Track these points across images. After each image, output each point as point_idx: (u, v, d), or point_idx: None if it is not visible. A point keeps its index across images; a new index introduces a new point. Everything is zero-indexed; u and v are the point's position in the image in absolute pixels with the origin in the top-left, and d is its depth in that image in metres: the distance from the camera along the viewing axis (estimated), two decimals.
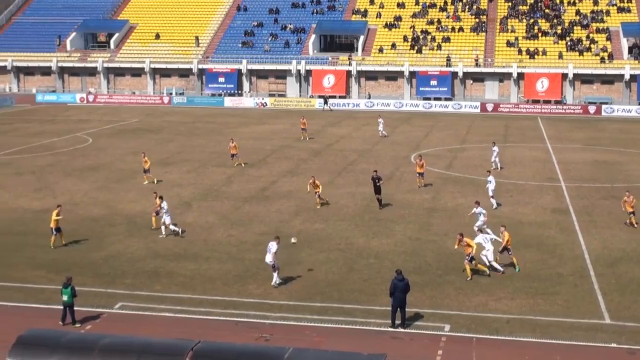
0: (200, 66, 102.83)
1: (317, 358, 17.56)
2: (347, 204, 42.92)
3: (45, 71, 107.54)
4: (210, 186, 47.93)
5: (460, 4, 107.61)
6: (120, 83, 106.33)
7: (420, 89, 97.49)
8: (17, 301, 27.68)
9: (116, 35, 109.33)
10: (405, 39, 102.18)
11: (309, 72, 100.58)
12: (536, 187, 48.00)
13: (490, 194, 42.05)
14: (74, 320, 25.52)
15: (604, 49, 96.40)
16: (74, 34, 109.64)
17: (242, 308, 27.08)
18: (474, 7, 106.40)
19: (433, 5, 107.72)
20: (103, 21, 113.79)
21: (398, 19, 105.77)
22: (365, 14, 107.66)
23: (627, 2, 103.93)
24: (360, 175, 50.50)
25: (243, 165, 54.35)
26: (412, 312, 26.29)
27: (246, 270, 31.12)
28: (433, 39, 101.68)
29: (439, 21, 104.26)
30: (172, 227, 36.34)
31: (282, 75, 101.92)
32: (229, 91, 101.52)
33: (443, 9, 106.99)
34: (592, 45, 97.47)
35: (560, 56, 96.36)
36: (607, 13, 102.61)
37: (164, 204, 36.51)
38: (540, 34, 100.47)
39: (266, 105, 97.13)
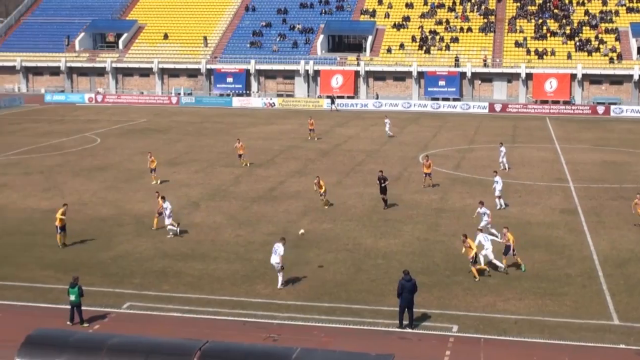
0: (209, 66, 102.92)
1: (325, 358, 17.54)
2: (355, 204, 42.91)
3: (54, 71, 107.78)
4: (218, 186, 47.97)
5: (469, 4, 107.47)
6: (129, 83, 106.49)
7: (429, 89, 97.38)
8: (26, 301, 27.75)
9: (125, 35, 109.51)
10: (413, 39, 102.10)
11: (317, 73, 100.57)
12: (544, 187, 47.90)
13: (498, 194, 41.99)
14: (82, 319, 25.56)
15: (613, 49, 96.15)
16: (82, 34, 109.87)
17: (249, 308, 27.09)
18: (483, 7, 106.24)
19: (441, 6, 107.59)
20: (112, 21, 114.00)
21: (406, 19, 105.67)
22: (373, 14, 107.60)
23: (637, 3, 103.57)
24: (368, 175, 50.46)
25: (248, 165, 54.36)
26: (420, 313, 26.27)
27: (254, 271, 31.14)
28: (441, 39, 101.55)
29: (447, 21, 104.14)
30: (170, 227, 36.39)
31: (290, 75, 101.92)
32: (237, 91, 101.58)
33: (451, 9, 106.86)
34: (601, 46, 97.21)
35: (569, 56, 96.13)
36: (616, 13, 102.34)
37: (167, 204, 36.52)
38: (548, 34, 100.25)
39: (274, 105, 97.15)
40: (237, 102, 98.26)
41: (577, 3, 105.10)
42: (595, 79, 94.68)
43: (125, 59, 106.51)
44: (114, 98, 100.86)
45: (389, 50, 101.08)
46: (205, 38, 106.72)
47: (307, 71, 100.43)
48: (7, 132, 71.50)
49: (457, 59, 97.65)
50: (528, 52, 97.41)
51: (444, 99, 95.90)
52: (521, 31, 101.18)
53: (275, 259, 29.09)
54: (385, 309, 26.84)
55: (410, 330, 25.23)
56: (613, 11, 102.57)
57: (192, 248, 34.47)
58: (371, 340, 24.43)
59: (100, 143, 65.13)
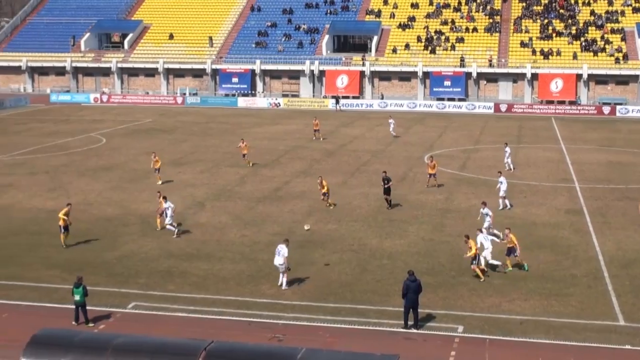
0: (214, 66, 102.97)
1: (330, 358, 17.53)
2: (360, 205, 42.91)
3: (60, 71, 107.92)
4: (223, 186, 48.00)
5: (474, 4, 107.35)
6: (134, 83, 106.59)
7: (434, 89, 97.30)
8: (31, 300, 27.80)
9: (130, 35, 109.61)
10: (419, 39, 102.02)
11: (322, 73, 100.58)
12: (550, 188, 47.85)
13: (502, 194, 41.95)
14: (87, 319, 25.61)
15: (619, 50, 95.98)
16: (88, 34, 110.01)
17: (255, 308, 27.11)
18: (488, 7, 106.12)
19: (447, 6, 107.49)
20: (117, 21, 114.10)
21: (412, 19, 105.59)
22: (379, 14, 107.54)
23: None
24: (374, 175, 50.42)
25: (250, 165, 54.34)
26: (425, 313, 26.27)
27: (259, 271, 31.15)
28: (447, 39, 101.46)
29: (452, 21, 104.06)
30: (168, 227, 36.44)
31: (295, 75, 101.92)
32: (242, 91, 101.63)
33: (457, 10, 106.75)
34: (606, 46, 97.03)
35: (575, 57, 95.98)
36: (622, 13, 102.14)
37: (168, 204, 36.54)
38: (554, 35, 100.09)
39: (279, 105, 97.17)
40: (242, 102, 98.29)
41: (583, 3, 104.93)
42: (601, 79, 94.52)
43: (131, 59, 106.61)
44: (119, 98, 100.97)
45: (394, 51, 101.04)
46: (210, 38, 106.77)
47: (312, 71, 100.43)
48: (12, 132, 71.63)
49: (462, 59, 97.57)
50: (534, 52, 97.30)
51: (450, 99, 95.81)
52: (527, 31, 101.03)
53: (278, 260, 29.07)
54: (390, 310, 26.84)
55: (415, 331, 25.23)
56: (619, 11, 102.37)
57: (198, 248, 34.51)
58: (376, 340, 24.44)
59: (105, 143, 65.21)
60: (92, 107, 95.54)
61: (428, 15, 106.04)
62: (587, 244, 35.50)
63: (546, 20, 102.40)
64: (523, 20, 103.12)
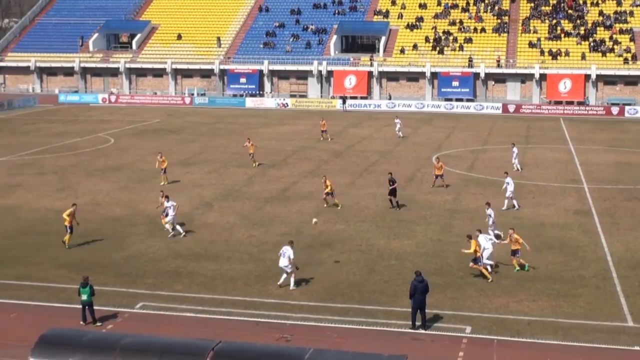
0: (222, 67, 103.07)
1: (337, 359, 17.53)
2: (368, 205, 42.88)
3: (68, 72, 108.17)
4: (231, 186, 48.02)
5: (483, 4, 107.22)
6: (142, 83, 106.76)
7: (442, 89, 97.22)
8: (40, 300, 27.84)
9: (138, 35, 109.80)
10: (427, 39, 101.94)
11: (330, 73, 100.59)
12: (558, 188, 47.75)
13: (509, 194, 41.87)
14: (95, 319, 25.64)
15: (628, 50, 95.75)
16: (96, 34, 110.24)
17: (262, 308, 27.11)
18: (496, 7, 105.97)
19: (455, 6, 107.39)
20: (125, 22, 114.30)
21: (420, 19, 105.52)
22: (386, 14, 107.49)
23: None
24: (382, 176, 50.37)
25: (255, 165, 54.30)
26: (433, 314, 26.23)
27: (267, 271, 31.14)
28: (455, 39, 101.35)
29: (460, 22, 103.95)
30: (167, 226, 36.46)
31: (303, 76, 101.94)
32: (250, 92, 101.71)
33: (465, 10, 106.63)
34: (615, 46, 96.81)
35: (583, 57, 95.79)
36: (631, 14, 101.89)
37: (169, 203, 36.54)
38: (562, 35, 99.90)
39: (287, 106, 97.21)
40: (250, 102, 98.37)
41: (592, 3, 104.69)
42: (609, 80, 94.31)
43: (139, 59, 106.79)
44: (127, 98, 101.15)
45: (402, 51, 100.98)
46: (218, 38, 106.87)
47: (320, 72, 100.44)
48: (21, 133, 71.80)
49: (470, 60, 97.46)
50: (542, 52, 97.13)
51: (458, 100, 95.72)
52: (535, 32, 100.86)
53: (283, 262, 29.02)
54: (398, 310, 26.81)
55: (423, 331, 25.20)
56: (628, 12, 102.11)
57: (205, 248, 34.53)
58: (384, 341, 24.41)
59: (113, 143, 65.32)
60: (101, 108, 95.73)
61: (436, 16, 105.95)
62: (596, 244, 35.41)
63: (554, 21, 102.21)
64: (531, 21, 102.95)
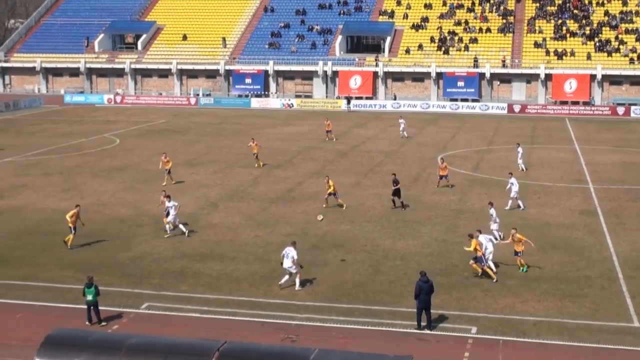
0: (227, 67, 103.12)
1: (343, 359, 17.53)
2: (373, 205, 42.86)
3: (74, 72, 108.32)
4: (236, 187, 48.04)
5: (488, 4, 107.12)
6: (148, 84, 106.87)
7: (447, 90, 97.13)
8: (45, 301, 27.89)
9: (143, 36, 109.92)
10: (432, 39, 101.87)
11: (335, 73, 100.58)
12: (564, 188, 47.68)
13: (514, 195, 41.82)
14: (100, 319, 25.68)
15: (633, 50, 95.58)
16: (101, 35, 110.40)
17: (268, 309, 27.11)
18: (502, 7, 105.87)
19: (460, 6, 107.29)
20: (130, 22, 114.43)
21: (425, 19, 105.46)
22: (392, 15, 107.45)
23: None
24: (387, 176, 50.26)
25: (257, 165, 54.26)
26: (438, 314, 26.21)
27: (272, 271, 31.13)
28: (460, 39, 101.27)
29: (466, 22, 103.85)
30: (166, 225, 36.48)
31: (308, 76, 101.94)
32: (255, 92, 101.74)
33: (470, 10, 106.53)
34: (621, 46, 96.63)
35: (589, 57, 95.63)
36: (637, 14, 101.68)
37: (171, 204, 36.56)
38: (568, 35, 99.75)
39: (292, 106, 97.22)
40: (255, 103, 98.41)
41: (597, 3, 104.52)
42: (615, 80, 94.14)
43: (144, 60, 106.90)
44: (132, 99, 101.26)
45: (407, 51, 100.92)
46: (224, 39, 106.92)
47: (325, 72, 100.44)
48: (27, 133, 71.93)
49: (476, 60, 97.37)
50: (547, 52, 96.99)
51: (463, 100, 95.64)
52: (540, 32, 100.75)
53: (287, 263, 29.00)
54: (403, 310, 26.80)
55: (428, 332, 25.18)
56: (633, 12, 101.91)
57: (211, 248, 34.55)
58: (389, 341, 24.40)
59: (119, 144, 65.39)
60: (106, 108, 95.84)
61: (441, 16, 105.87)
62: (601, 244, 35.36)
63: (560, 21, 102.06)
64: (537, 21, 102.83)
